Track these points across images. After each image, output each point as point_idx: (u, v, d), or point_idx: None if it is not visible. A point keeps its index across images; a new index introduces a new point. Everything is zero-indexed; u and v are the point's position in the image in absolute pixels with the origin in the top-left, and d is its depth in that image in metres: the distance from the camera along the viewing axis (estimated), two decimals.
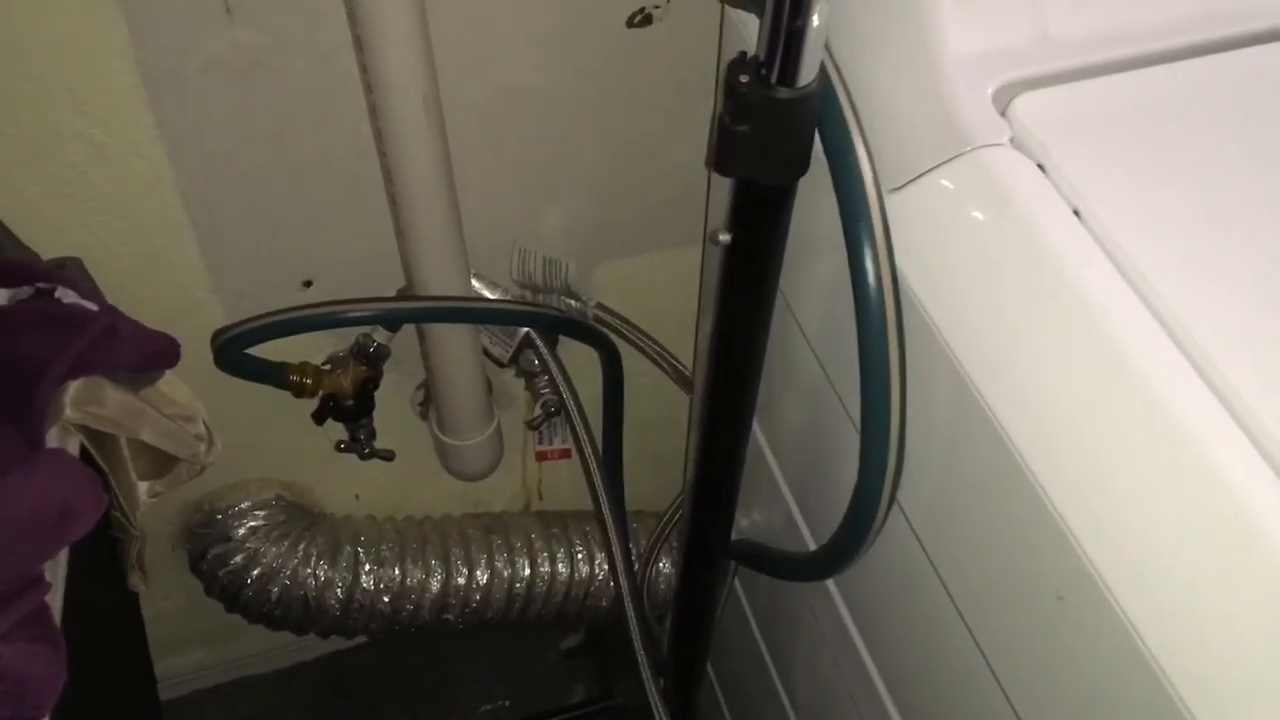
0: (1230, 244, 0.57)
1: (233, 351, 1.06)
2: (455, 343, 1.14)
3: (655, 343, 1.25)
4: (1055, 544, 0.54)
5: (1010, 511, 0.59)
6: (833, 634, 0.88)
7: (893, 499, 0.69)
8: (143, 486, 1.03)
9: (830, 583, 0.86)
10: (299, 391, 1.15)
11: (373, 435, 1.26)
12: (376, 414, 1.27)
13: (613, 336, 1.24)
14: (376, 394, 1.23)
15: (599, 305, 1.19)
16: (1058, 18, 0.66)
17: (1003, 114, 0.63)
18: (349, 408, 1.19)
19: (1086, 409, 0.53)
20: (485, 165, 1.10)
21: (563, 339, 1.25)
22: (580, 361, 1.28)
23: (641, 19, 1.06)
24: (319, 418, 1.19)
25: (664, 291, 1.32)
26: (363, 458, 1.28)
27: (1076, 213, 0.58)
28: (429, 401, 1.28)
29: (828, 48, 0.69)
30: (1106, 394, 0.53)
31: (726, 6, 0.79)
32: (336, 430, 1.26)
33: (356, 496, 1.48)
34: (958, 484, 0.65)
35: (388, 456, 1.30)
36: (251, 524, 1.35)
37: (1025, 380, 0.57)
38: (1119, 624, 0.50)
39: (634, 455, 1.41)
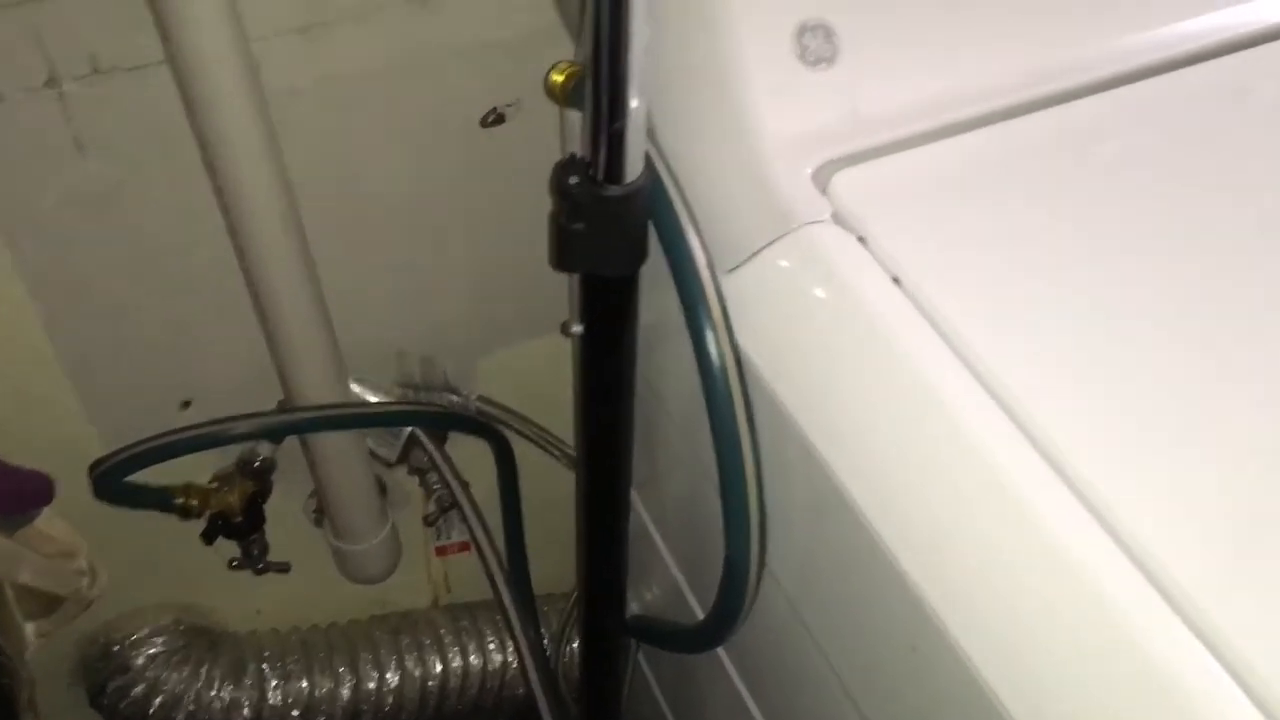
0: (1038, 296, 0.61)
1: (112, 482, 1.05)
2: (340, 449, 1.14)
3: (539, 428, 1.26)
4: (904, 600, 0.57)
5: (864, 572, 0.61)
6: (726, 700, 0.90)
7: (761, 568, 0.71)
8: (29, 627, 1.01)
9: (720, 651, 0.88)
10: (186, 514, 1.14)
11: (266, 549, 1.25)
12: (271, 525, 1.26)
13: (500, 426, 1.25)
14: (268, 506, 1.23)
15: (481, 398, 1.20)
16: (866, 96, 0.70)
17: (823, 192, 0.67)
18: (239, 524, 1.18)
19: (916, 468, 0.56)
20: (354, 271, 1.12)
21: (453, 432, 1.26)
22: (476, 451, 1.28)
23: (495, 118, 1.09)
24: (208, 537, 1.18)
25: (546, 376, 1.33)
26: (257, 573, 1.26)
27: (896, 280, 0.62)
28: (322, 509, 1.27)
29: (655, 139, 0.72)
30: (934, 452, 0.56)
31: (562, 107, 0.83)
32: (229, 547, 1.25)
33: (258, 611, 1.46)
34: (820, 550, 0.67)
35: (284, 569, 1.29)
36: (150, 652, 1.33)
37: (864, 446, 0.60)
38: (964, 668, 0.53)
39: (539, 538, 1.42)
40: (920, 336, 0.59)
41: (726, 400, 0.66)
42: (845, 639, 0.67)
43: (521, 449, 1.30)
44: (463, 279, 1.20)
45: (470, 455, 1.26)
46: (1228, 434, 0.54)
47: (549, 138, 1.11)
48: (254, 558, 1.24)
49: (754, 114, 0.68)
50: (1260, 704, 0.44)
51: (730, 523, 0.68)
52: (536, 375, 1.33)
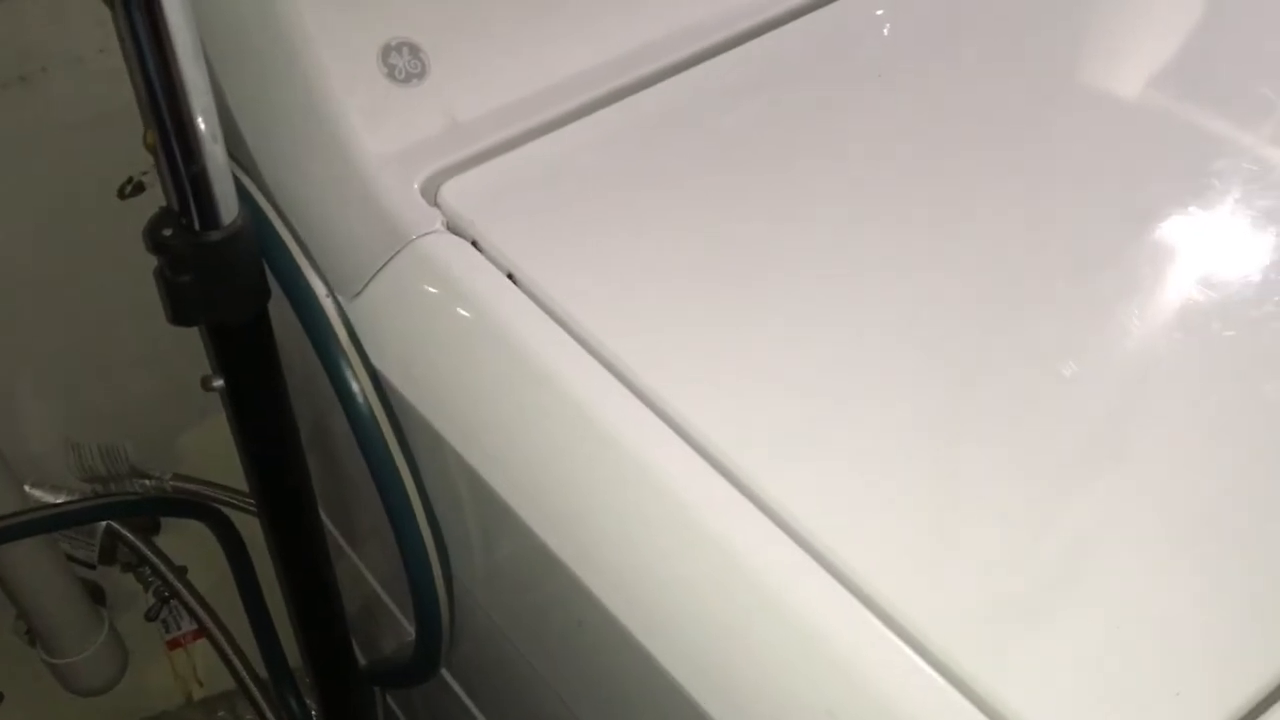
0: (650, 267, 0.63)
1: None
2: (29, 560, 1.07)
3: (243, 494, 1.22)
4: (565, 581, 0.57)
5: (526, 561, 0.62)
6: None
7: (449, 585, 0.71)
8: None
9: (448, 676, 0.87)
10: None
11: None
12: None
13: (207, 501, 1.20)
14: None
15: (177, 475, 1.15)
16: (463, 105, 0.71)
17: (434, 203, 0.67)
18: None
19: (550, 451, 0.58)
20: (6, 370, 1.05)
21: (168, 519, 1.20)
22: (200, 532, 1.22)
23: (133, 189, 1.05)
24: None
25: None
26: None
27: (511, 276, 0.63)
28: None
29: (259, 175, 0.71)
30: (560, 432, 0.57)
31: None
32: None
33: None
34: (493, 552, 0.67)
35: None
36: None
37: (502, 440, 0.60)
38: (622, 633, 0.54)
39: None
40: (537, 325, 0.60)
41: (373, 427, 0.65)
42: (531, 631, 0.68)
43: (249, 518, 1.25)
44: (134, 357, 1.14)
45: (195, 538, 1.21)
46: (837, 381, 0.57)
47: None
48: None
49: (350, 137, 0.67)
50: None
51: (405, 548, 0.68)
52: None
